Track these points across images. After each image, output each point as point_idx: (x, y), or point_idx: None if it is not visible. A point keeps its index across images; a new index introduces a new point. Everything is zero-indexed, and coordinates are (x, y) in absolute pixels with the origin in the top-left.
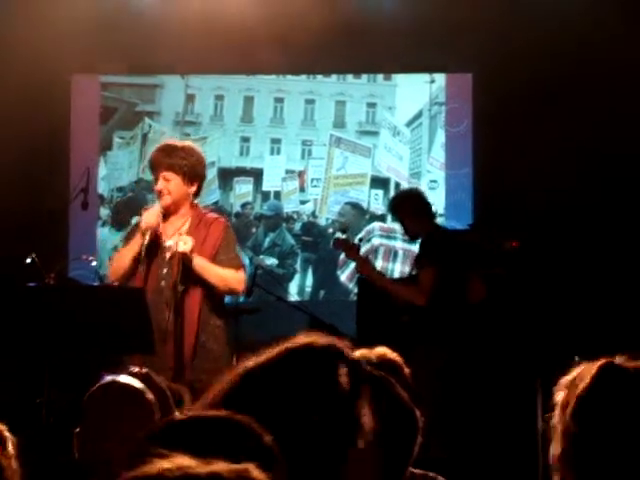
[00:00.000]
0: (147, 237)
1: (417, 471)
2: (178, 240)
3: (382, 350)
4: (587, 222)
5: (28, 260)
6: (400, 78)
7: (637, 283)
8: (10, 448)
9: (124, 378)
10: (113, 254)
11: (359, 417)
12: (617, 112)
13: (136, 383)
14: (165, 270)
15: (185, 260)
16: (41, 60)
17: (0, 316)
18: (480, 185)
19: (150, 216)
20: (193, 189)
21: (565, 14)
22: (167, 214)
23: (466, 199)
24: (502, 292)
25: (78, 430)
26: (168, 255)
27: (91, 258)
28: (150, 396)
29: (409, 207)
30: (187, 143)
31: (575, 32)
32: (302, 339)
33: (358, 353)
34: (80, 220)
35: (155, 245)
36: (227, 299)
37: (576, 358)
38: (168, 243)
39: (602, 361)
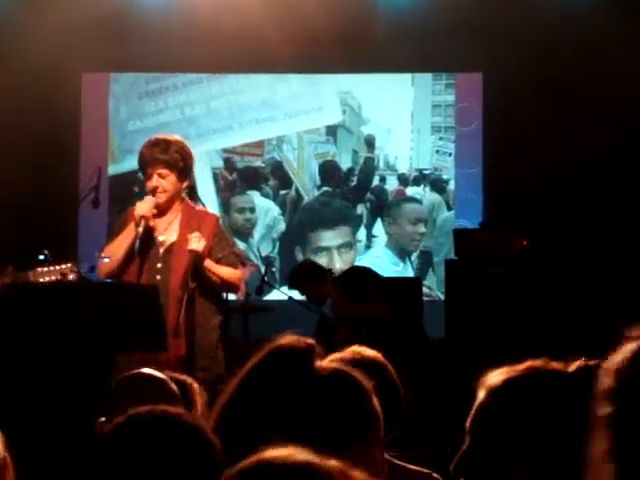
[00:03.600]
0: (141, 226)
1: (413, 467)
2: (191, 237)
3: (364, 350)
4: (598, 220)
5: (41, 257)
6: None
7: None
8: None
9: (148, 369)
10: (101, 248)
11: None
12: (630, 111)
13: (159, 374)
14: (160, 265)
15: (197, 258)
16: (51, 60)
17: (12, 314)
18: (490, 184)
19: (144, 205)
20: (185, 184)
21: (577, 13)
22: (160, 211)
23: (476, 198)
24: (512, 291)
25: (103, 420)
26: (162, 250)
27: (103, 255)
28: (174, 386)
29: (305, 275)
30: (177, 137)
31: (587, 32)
32: (278, 340)
33: (346, 352)
34: (91, 218)
35: (148, 240)
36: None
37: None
38: (161, 238)
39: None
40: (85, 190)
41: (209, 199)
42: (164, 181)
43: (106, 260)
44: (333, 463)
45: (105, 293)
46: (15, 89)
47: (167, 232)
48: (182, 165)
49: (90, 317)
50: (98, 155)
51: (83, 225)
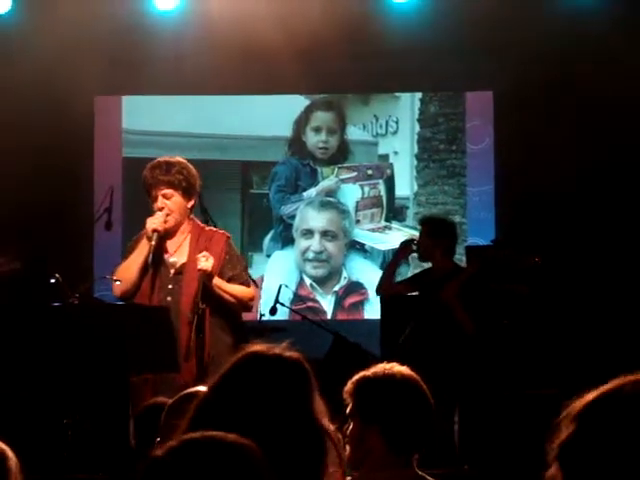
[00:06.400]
0: (154, 241)
1: None
2: (199, 257)
3: (400, 367)
4: (612, 238)
5: (52, 280)
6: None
7: None
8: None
9: (204, 388)
10: (115, 268)
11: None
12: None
13: None
14: (170, 286)
15: (206, 278)
16: (63, 83)
17: (25, 336)
18: (503, 202)
19: (155, 219)
20: (191, 203)
21: (587, 30)
22: (169, 231)
23: (489, 216)
24: (524, 308)
25: (159, 440)
26: (172, 271)
27: (115, 277)
28: None
29: (449, 238)
30: (179, 158)
31: (598, 48)
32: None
33: (379, 367)
34: (106, 238)
35: (159, 260)
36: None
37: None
38: (171, 259)
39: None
40: (99, 211)
41: None
42: (169, 202)
43: (117, 283)
44: None
45: (117, 314)
46: (28, 113)
47: (177, 253)
48: (185, 185)
49: (102, 339)
50: (112, 177)
51: (98, 245)
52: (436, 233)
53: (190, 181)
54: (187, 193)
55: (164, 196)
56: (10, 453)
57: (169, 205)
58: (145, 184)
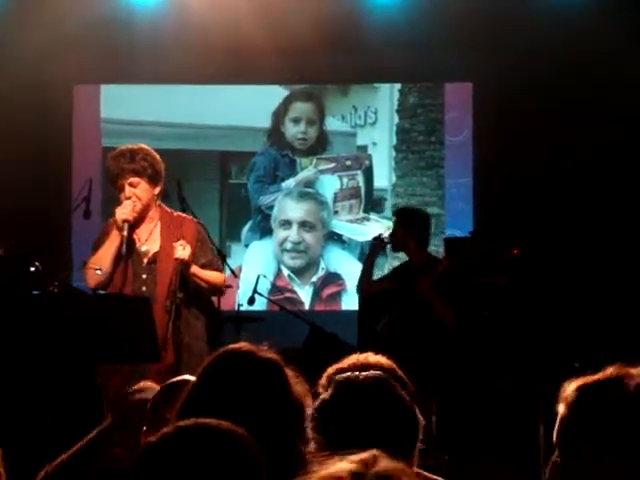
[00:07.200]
0: (125, 230)
1: (429, 475)
2: (176, 246)
3: (374, 357)
4: (590, 229)
5: (32, 269)
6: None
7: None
8: None
9: (191, 377)
10: (87, 259)
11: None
12: (619, 120)
13: None
14: (145, 276)
15: (183, 267)
16: (42, 72)
17: (4, 325)
18: (481, 194)
19: (124, 209)
20: (158, 190)
21: (566, 22)
22: (138, 220)
23: (468, 208)
24: (504, 300)
25: (145, 429)
26: (145, 260)
27: (96, 267)
28: None
29: (422, 228)
30: (142, 145)
31: (576, 41)
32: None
33: (353, 358)
34: (84, 228)
35: (130, 250)
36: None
37: (576, 365)
38: (144, 248)
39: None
40: (77, 200)
41: None
42: (136, 190)
43: (98, 272)
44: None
45: (98, 304)
46: (6, 101)
47: (149, 242)
48: (151, 171)
49: (83, 328)
50: (91, 166)
51: (77, 235)
52: (410, 224)
53: (155, 167)
54: (153, 180)
55: (131, 185)
56: None
57: (136, 193)
58: (110, 174)
